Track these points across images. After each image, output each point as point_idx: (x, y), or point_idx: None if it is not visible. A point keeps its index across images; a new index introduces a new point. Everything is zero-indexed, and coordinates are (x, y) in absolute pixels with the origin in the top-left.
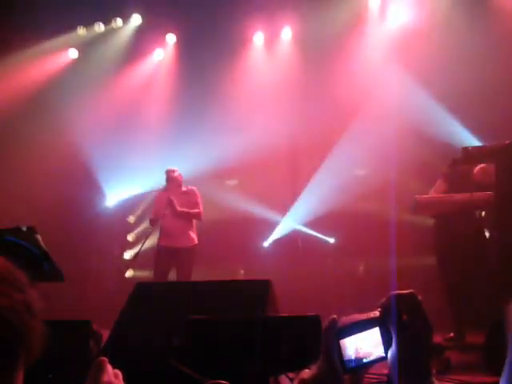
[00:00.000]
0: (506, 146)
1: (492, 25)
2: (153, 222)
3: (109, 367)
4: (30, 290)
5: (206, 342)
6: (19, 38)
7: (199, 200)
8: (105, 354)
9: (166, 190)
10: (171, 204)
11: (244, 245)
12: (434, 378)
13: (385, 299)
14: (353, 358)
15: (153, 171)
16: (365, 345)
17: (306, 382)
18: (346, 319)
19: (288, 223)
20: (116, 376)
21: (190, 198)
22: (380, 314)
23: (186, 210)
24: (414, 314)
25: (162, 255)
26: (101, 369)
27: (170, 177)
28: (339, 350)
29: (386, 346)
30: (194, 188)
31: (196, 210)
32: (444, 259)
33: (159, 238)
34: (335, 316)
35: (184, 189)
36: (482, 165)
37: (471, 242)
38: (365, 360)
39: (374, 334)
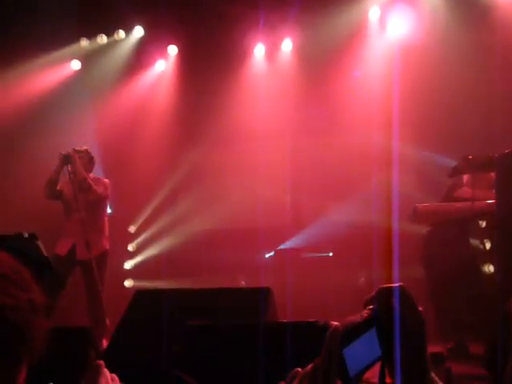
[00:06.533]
0: (506, 154)
1: (493, 36)
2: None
3: (106, 371)
4: (34, 286)
5: (206, 348)
6: (21, 49)
7: None
8: (104, 361)
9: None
10: None
11: (244, 255)
12: (433, 374)
13: (374, 294)
14: (354, 366)
15: (154, 182)
16: (364, 348)
17: None
18: (341, 325)
19: (289, 236)
20: (112, 379)
21: None
22: (372, 311)
23: None
24: (406, 308)
25: None
26: (98, 372)
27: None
28: (342, 361)
29: (382, 343)
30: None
31: None
32: (430, 270)
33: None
34: (338, 324)
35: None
36: None
37: (458, 253)
38: (364, 364)
39: (371, 334)
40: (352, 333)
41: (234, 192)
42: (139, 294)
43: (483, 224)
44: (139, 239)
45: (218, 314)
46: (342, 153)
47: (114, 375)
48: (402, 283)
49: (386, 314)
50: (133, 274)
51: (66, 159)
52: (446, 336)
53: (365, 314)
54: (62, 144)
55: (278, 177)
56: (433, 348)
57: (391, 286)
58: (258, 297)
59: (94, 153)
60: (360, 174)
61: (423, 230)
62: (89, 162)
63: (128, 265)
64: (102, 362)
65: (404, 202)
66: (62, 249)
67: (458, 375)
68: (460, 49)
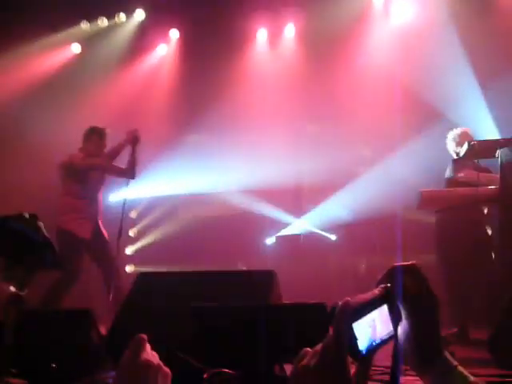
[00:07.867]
0: (511, 140)
1: (497, 22)
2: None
3: (148, 346)
4: None
5: (210, 330)
6: (21, 32)
7: None
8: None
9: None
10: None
11: (245, 241)
12: (447, 353)
13: (387, 272)
14: (365, 342)
15: (154, 167)
16: (375, 326)
17: (309, 370)
18: (352, 301)
19: (291, 221)
20: (153, 356)
21: None
22: (385, 288)
23: None
24: (420, 286)
25: None
26: (140, 345)
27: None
28: (353, 337)
29: (395, 322)
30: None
31: None
32: (444, 256)
33: None
34: (349, 298)
35: None
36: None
37: (472, 237)
38: (376, 342)
39: (383, 312)
40: (363, 309)
41: (235, 177)
42: (141, 277)
43: (485, 210)
44: (140, 225)
45: (222, 296)
46: (345, 138)
47: (154, 352)
48: (414, 261)
49: (399, 290)
50: (134, 259)
51: (136, 140)
52: (451, 322)
53: (377, 291)
54: (63, 128)
55: (280, 162)
56: None
57: (404, 264)
58: (263, 279)
59: None
60: (364, 159)
61: (431, 216)
62: None
63: (129, 250)
64: (144, 336)
65: (409, 188)
66: (86, 232)
67: (459, 359)
68: (465, 35)
